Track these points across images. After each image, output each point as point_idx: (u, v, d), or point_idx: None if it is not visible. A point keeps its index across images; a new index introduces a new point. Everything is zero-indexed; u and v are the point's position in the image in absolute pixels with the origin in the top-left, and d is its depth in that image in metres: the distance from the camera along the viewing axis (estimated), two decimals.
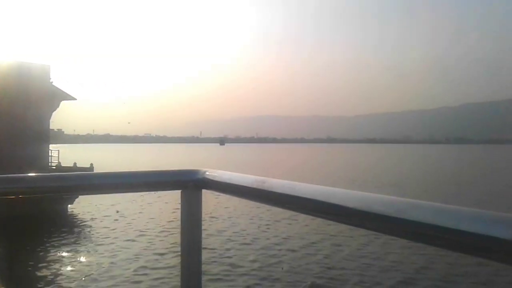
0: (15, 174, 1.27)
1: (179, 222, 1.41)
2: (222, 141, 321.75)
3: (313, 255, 13.00)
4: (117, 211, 20.62)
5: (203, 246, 1.43)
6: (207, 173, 1.37)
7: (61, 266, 12.44)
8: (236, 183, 1.21)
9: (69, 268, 12.20)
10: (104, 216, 19.64)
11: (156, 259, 12.48)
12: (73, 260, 13.09)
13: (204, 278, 1.43)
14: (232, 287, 10.34)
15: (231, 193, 1.26)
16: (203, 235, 1.43)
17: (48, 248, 14.23)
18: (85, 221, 19.17)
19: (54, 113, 25.03)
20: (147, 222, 18.14)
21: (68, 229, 17.45)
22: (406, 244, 12.74)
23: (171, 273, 10.69)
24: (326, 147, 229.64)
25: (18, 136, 21.29)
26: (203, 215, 1.42)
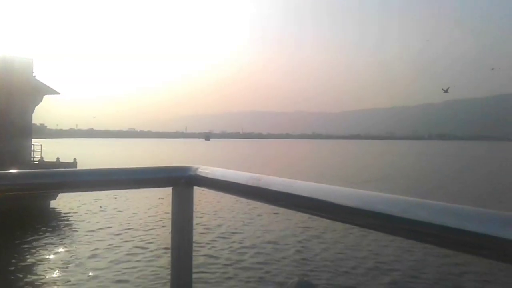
0: None
1: (169, 220, 1.37)
2: (207, 136, 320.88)
3: (302, 252, 12.98)
4: (101, 207, 20.42)
5: (194, 244, 1.40)
6: (199, 169, 1.33)
7: (42, 263, 12.25)
8: (230, 180, 1.18)
9: (50, 265, 12.01)
10: (88, 212, 19.41)
11: (145, 257, 12.36)
12: (55, 257, 12.93)
13: (194, 275, 1.40)
14: (223, 284, 10.34)
15: (224, 191, 1.24)
16: (194, 233, 1.40)
17: (29, 246, 13.95)
18: (68, 217, 18.91)
19: (37, 108, 24.66)
20: (131, 219, 17.99)
21: (50, 226, 17.16)
22: (400, 243, 12.92)
23: (162, 272, 10.65)
24: (312, 143, 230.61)
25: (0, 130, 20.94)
26: (194, 213, 1.39)
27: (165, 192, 1.41)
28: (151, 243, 13.75)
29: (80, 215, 19.04)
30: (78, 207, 20.55)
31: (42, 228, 16.43)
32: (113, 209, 20.05)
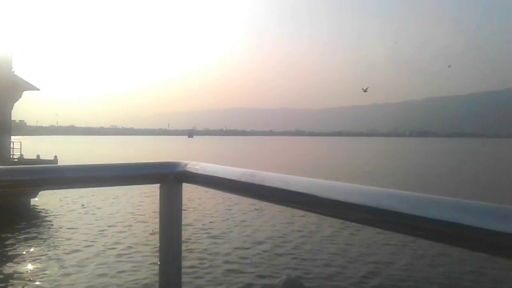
0: None
1: (156, 218, 1.33)
2: (190, 133, 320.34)
3: (293, 248, 12.95)
4: (83, 205, 20.00)
5: (183, 243, 1.36)
6: (189, 165, 1.30)
7: (22, 263, 11.93)
8: (222, 176, 1.14)
9: (30, 265, 11.69)
10: (70, 211, 19.00)
11: (131, 257, 12.11)
12: (36, 256, 12.58)
13: (184, 275, 1.37)
14: (212, 282, 10.22)
15: (216, 187, 1.17)
16: (183, 231, 1.36)
17: (7, 245, 13.59)
18: (49, 216, 18.47)
19: (16, 104, 24.11)
20: (116, 217, 17.70)
21: (30, 224, 16.73)
22: (396, 238, 12.99)
23: (149, 272, 10.49)
24: (295, 140, 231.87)
25: None
26: (182, 210, 1.36)
27: (153, 189, 1.36)
28: (138, 243, 13.47)
29: (62, 214, 18.58)
30: (60, 206, 20.10)
31: (21, 229, 15.99)
32: (97, 207, 19.63)
